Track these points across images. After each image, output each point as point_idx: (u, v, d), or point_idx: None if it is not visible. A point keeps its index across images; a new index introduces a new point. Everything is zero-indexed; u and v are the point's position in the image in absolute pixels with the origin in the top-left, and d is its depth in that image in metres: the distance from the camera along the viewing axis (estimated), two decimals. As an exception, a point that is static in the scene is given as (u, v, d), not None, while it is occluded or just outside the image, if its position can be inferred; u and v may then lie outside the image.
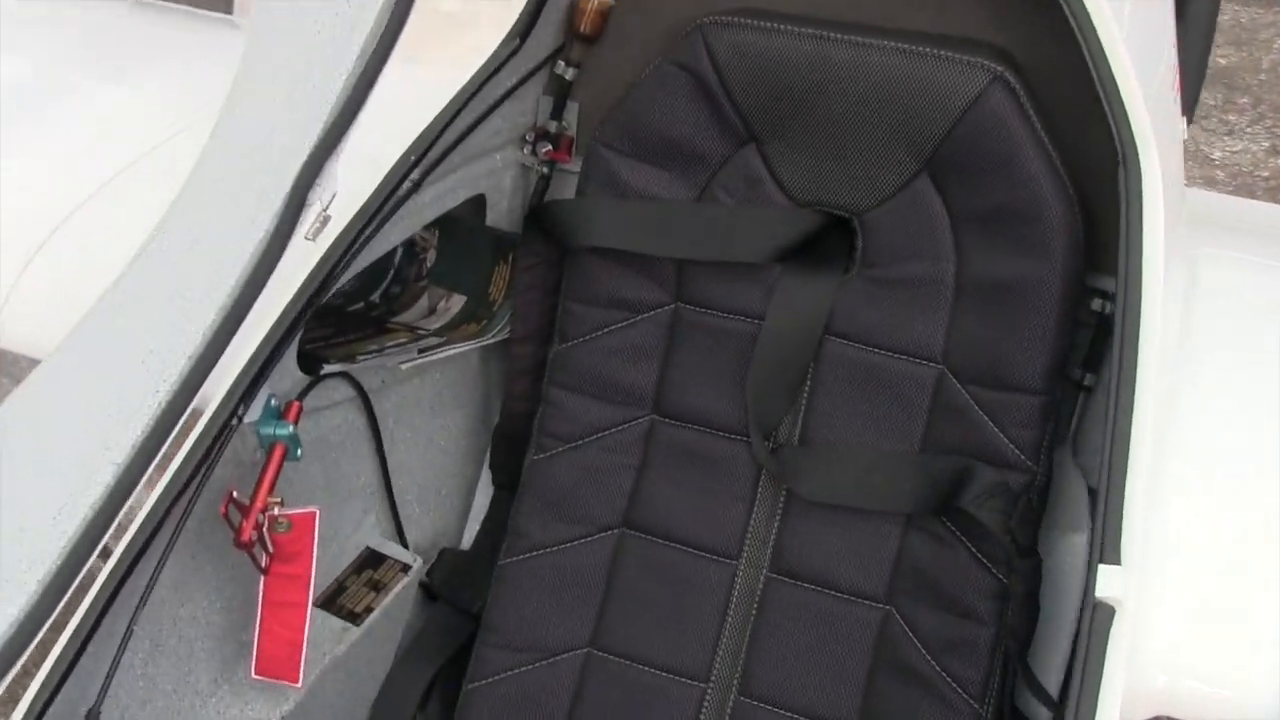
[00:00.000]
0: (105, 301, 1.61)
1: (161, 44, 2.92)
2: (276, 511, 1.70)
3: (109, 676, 1.63)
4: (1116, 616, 1.39)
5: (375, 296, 1.98)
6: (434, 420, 2.13)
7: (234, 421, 1.67)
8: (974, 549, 1.76)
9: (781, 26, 1.75)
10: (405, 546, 2.09)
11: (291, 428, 1.74)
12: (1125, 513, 1.42)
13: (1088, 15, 1.51)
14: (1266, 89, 5.56)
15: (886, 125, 1.73)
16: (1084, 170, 1.70)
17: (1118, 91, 1.51)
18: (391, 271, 1.98)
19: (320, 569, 1.91)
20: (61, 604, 1.46)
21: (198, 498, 1.67)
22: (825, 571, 1.84)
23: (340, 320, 1.96)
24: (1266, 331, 1.93)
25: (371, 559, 2.02)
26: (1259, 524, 1.72)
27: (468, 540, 2.20)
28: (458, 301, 2.02)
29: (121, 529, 1.57)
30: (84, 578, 1.50)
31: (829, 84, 1.73)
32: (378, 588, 1.98)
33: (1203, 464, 1.75)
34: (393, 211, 1.80)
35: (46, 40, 2.83)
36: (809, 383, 1.84)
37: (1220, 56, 5.89)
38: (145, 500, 1.62)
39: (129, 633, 1.64)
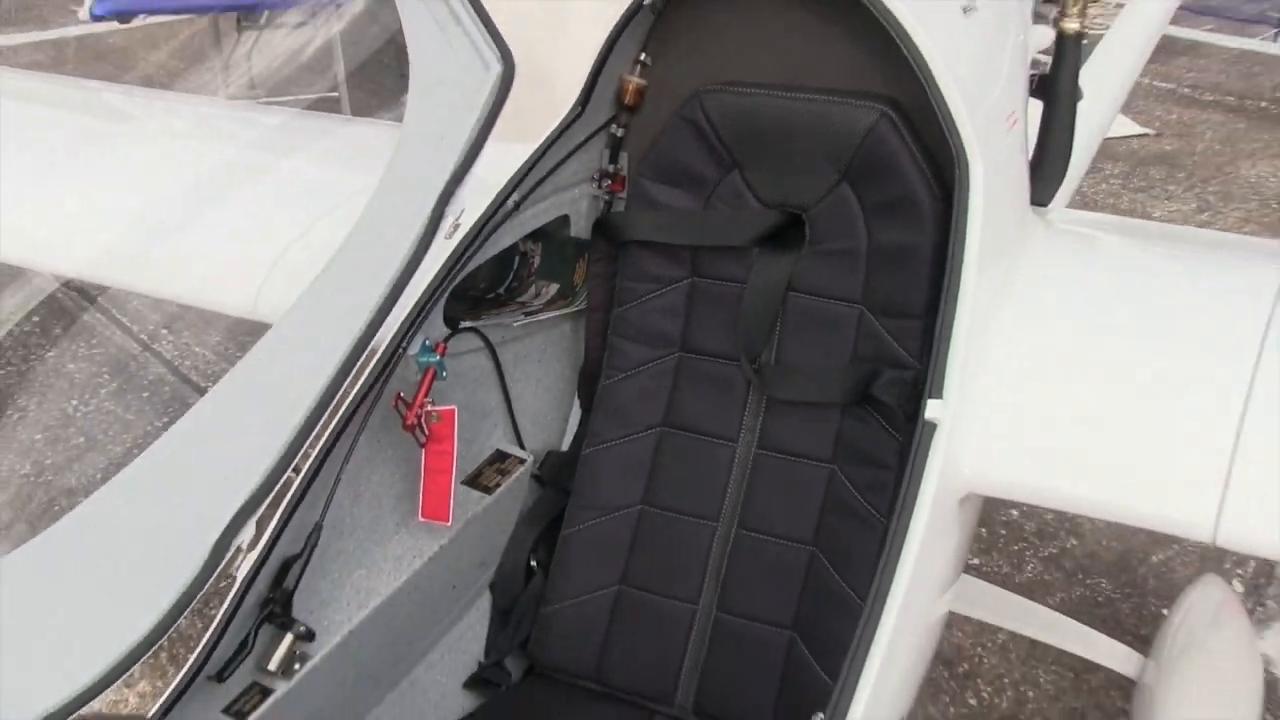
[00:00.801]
0: (318, 282, 1.83)
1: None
2: (429, 408, 1.99)
3: (323, 512, 1.87)
4: (937, 431, 1.65)
5: (501, 289, 2.26)
6: (541, 366, 2.36)
7: (400, 352, 1.95)
8: (883, 422, 1.99)
9: (750, 90, 2.05)
10: (522, 449, 2.32)
11: (439, 358, 2.00)
12: (947, 367, 1.70)
13: (932, 76, 1.80)
14: (1198, 166, 5.75)
15: (818, 150, 2.00)
16: (945, 171, 1.92)
17: (951, 120, 1.80)
18: (512, 272, 2.26)
19: (464, 460, 2.18)
20: (296, 459, 1.68)
21: (379, 400, 1.93)
22: (792, 446, 2.08)
23: (477, 303, 2.23)
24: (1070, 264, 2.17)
25: (498, 456, 2.27)
26: (1049, 372, 1.89)
27: (565, 445, 2.41)
28: (553, 288, 2.29)
29: (332, 417, 1.81)
30: (309, 446, 1.71)
31: (780, 125, 2.03)
32: (503, 474, 2.23)
33: (1012, 337, 1.90)
34: (502, 222, 2.08)
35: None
36: (779, 324, 2.10)
37: (1166, 144, 6.08)
38: (346, 399, 1.86)
39: (337, 482, 1.88)
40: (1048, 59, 2.38)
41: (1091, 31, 2.46)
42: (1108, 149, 5.86)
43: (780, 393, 2.09)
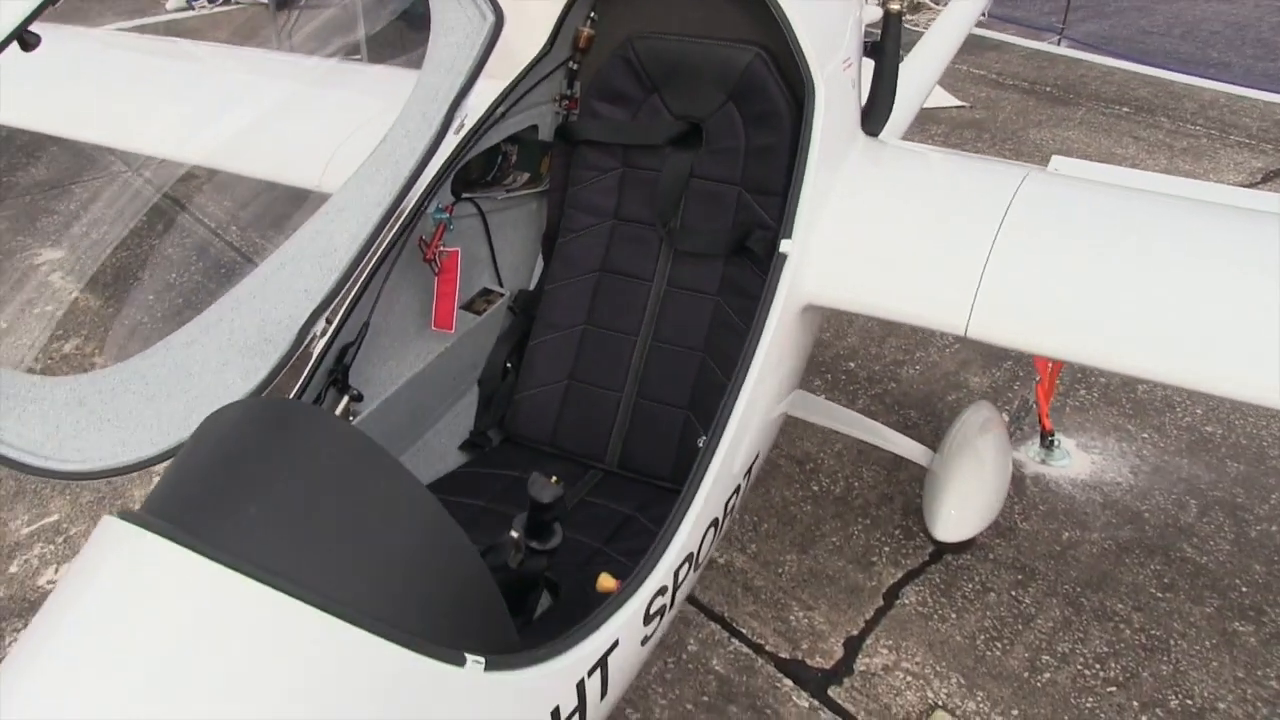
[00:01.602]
0: (365, 163, 2.12)
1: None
2: (442, 248, 2.35)
3: (369, 314, 2.21)
4: (787, 261, 2.00)
5: (489, 177, 2.60)
6: (516, 230, 2.68)
7: (422, 210, 2.30)
8: (753, 266, 2.31)
9: (665, 36, 2.39)
10: (501, 286, 2.66)
11: (447, 216, 2.36)
12: (796, 218, 2.05)
13: (793, 29, 2.17)
14: (999, 131, 6.10)
15: (713, 79, 2.34)
16: (797, 93, 2.25)
17: (805, 58, 2.18)
18: (496, 165, 2.60)
19: (461, 293, 2.57)
20: (351, 277, 2.03)
21: (405, 241, 2.28)
22: (690, 283, 2.42)
23: (473, 184, 2.54)
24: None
25: (485, 292, 2.62)
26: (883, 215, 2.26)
27: (532, 285, 2.70)
28: (525, 176, 2.63)
29: (375, 253, 2.14)
30: (359, 270, 2.05)
31: (687, 61, 2.36)
32: (489, 303, 2.58)
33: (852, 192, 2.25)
34: (492, 125, 2.41)
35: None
36: (683, 200, 2.44)
37: (976, 114, 6.39)
38: (385, 241, 2.18)
39: (378, 296, 2.23)
40: (879, 31, 2.71)
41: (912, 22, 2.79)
42: (933, 116, 6.30)
43: (683, 246, 2.45)
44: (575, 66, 2.57)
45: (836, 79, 2.33)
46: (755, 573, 2.88)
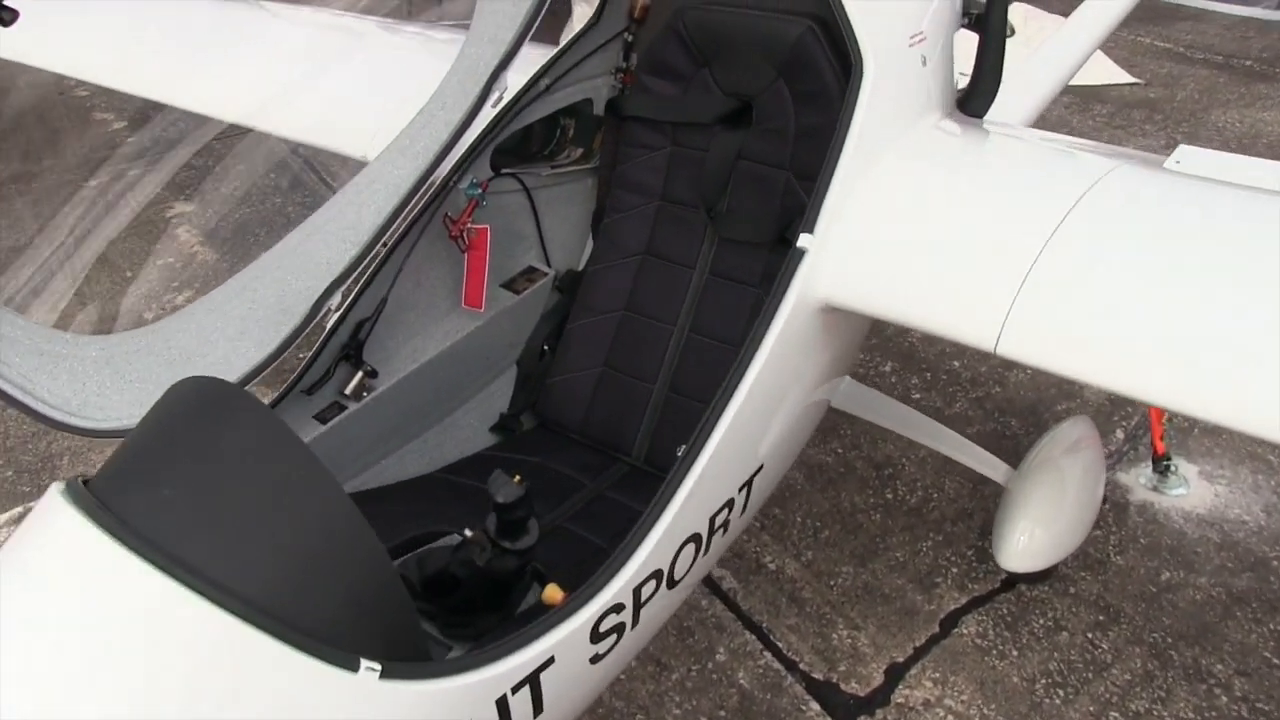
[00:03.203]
0: (402, 134, 2.09)
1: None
2: (470, 226, 2.28)
3: (388, 290, 2.17)
4: (804, 258, 1.84)
5: (547, 150, 2.53)
6: (568, 206, 2.59)
7: (451, 185, 2.25)
8: None
9: (713, 7, 2.23)
10: (548, 265, 2.57)
11: (480, 192, 2.28)
12: (821, 210, 1.86)
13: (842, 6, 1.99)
14: (1175, 112, 5.58)
15: (762, 53, 2.18)
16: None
17: (851, 31, 1.98)
18: (555, 138, 2.54)
19: (502, 270, 2.48)
20: (371, 253, 1.99)
21: (433, 217, 2.23)
22: (732, 273, 2.28)
23: (523, 157, 2.47)
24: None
25: (529, 270, 2.54)
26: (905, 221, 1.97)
27: (581, 265, 2.60)
28: (579, 151, 2.54)
29: (399, 227, 2.10)
30: (380, 245, 2.01)
31: (736, 34, 2.21)
32: (530, 282, 2.51)
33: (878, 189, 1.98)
34: (534, 100, 2.34)
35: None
36: (730, 183, 2.29)
37: (1151, 92, 5.91)
38: (411, 214, 2.15)
39: (399, 271, 2.19)
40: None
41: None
42: (1099, 94, 5.79)
43: (727, 233, 2.30)
44: (630, 38, 2.46)
45: (897, 55, 2.12)
46: (805, 583, 2.71)
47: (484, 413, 2.49)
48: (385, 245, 2.12)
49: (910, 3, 2.20)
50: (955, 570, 2.74)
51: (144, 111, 5.28)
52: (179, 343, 1.91)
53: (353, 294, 2.15)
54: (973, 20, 2.44)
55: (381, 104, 2.67)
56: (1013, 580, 2.68)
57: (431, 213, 2.25)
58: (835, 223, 1.90)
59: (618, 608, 1.62)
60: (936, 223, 1.95)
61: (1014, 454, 2.83)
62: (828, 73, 2.12)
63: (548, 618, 1.54)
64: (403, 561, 1.88)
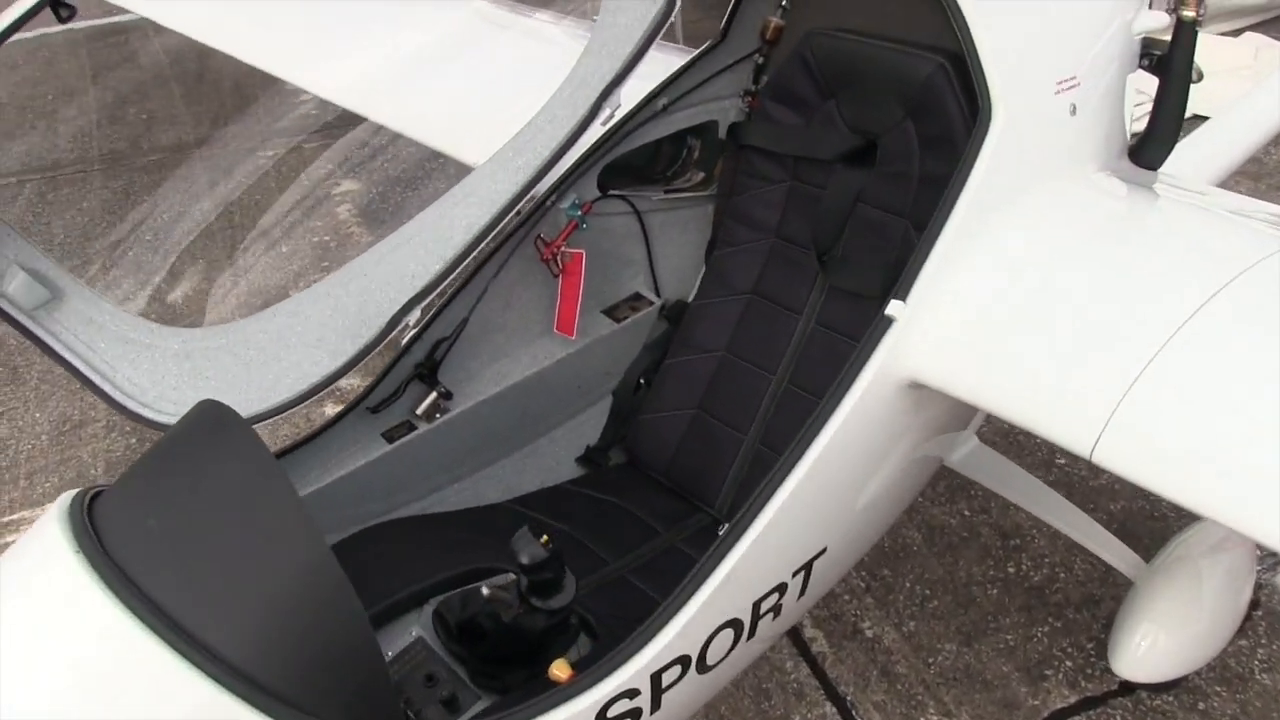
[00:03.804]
0: (507, 145, 2.00)
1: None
2: (564, 249, 2.19)
3: (471, 310, 2.12)
4: (891, 328, 1.65)
5: (671, 171, 2.43)
6: (684, 233, 2.46)
7: (550, 204, 2.17)
8: None
9: (844, 35, 2.06)
10: (657, 294, 2.45)
11: (580, 214, 2.19)
12: (918, 276, 1.67)
13: (970, 36, 1.76)
14: None
15: (891, 90, 1.99)
16: None
17: (981, 73, 1.76)
18: (681, 158, 2.42)
19: (605, 295, 2.39)
20: (458, 269, 1.94)
21: (528, 235, 2.16)
22: (840, 325, 2.10)
23: (640, 175, 2.37)
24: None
25: (635, 297, 2.43)
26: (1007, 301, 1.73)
27: (692, 296, 2.44)
28: (700, 175, 2.41)
29: (489, 244, 2.01)
30: (467, 262, 1.95)
31: (865, 67, 2.03)
32: (634, 310, 2.40)
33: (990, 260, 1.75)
34: (649, 119, 2.22)
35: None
36: (847, 227, 2.11)
37: None
38: (504, 232, 2.09)
39: (484, 292, 2.12)
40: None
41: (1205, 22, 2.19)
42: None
43: (837, 281, 2.13)
44: (761, 60, 2.29)
45: (1037, 102, 1.89)
46: (902, 656, 2.51)
47: (571, 443, 2.40)
48: (475, 261, 2.05)
49: (1064, 42, 1.95)
50: (1070, 664, 2.47)
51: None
52: (258, 343, 1.90)
53: (433, 311, 2.10)
54: (1154, 62, 2.17)
55: (500, 109, 2.62)
56: (1131, 685, 2.39)
57: (526, 231, 2.17)
58: (934, 290, 1.70)
59: (631, 693, 1.50)
60: (1053, 297, 1.72)
61: (1158, 540, 2.53)
62: (956, 117, 1.91)
63: (548, 696, 1.44)
64: (447, 598, 1.81)
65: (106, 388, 1.76)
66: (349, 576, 1.95)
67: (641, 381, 2.40)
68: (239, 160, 4.92)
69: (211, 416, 1.47)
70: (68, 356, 1.73)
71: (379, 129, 4.76)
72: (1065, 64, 1.94)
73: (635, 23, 1.96)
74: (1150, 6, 2.28)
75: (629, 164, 2.31)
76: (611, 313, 2.40)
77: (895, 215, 2.05)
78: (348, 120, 4.80)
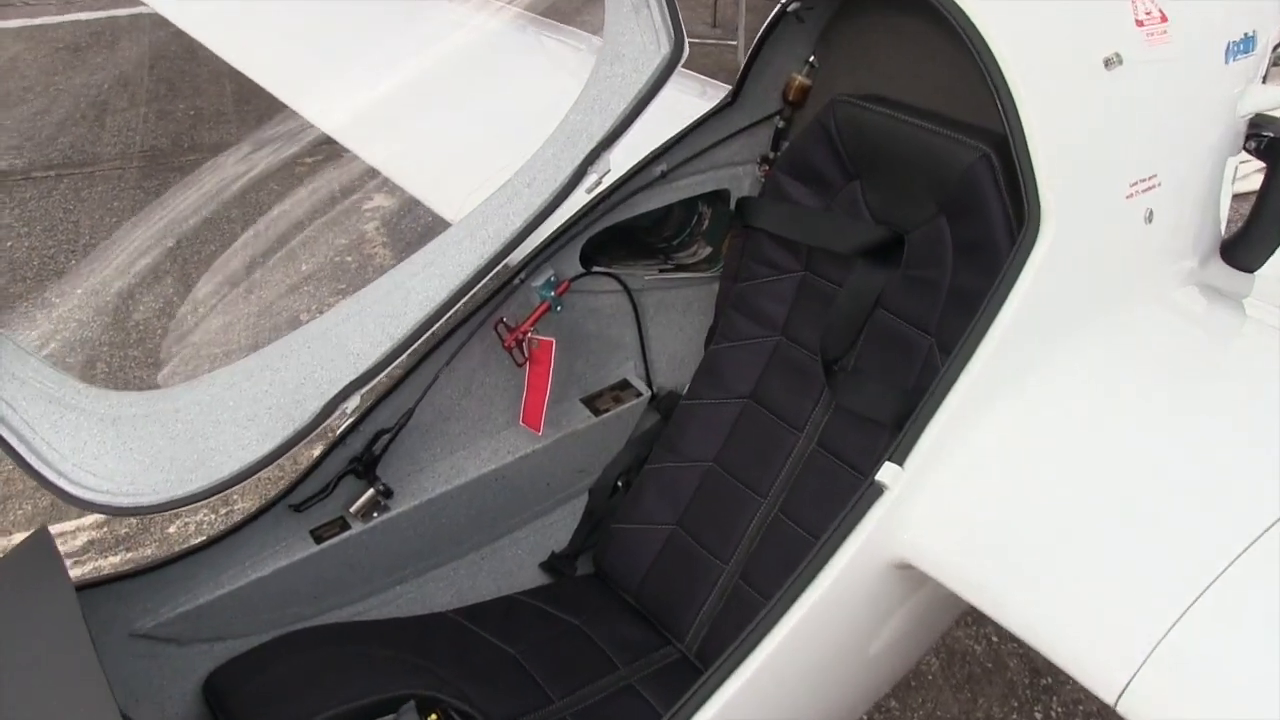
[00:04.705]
0: (476, 210, 1.73)
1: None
2: (530, 335, 1.90)
3: (418, 399, 1.83)
4: (883, 495, 1.32)
5: (676, 241, 2.13)
6: (685, 316, 2.16)
7: (519, 282, 1.89)
8: None
9: (871, 107, 1.74)
10: (649, 383, 2.14)
11: (553, 294, 1.90)
12: (920, 437, 1.34)
13: (1019, 125, 1.43)
14: None
15: (925, 179, 1.67)
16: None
17: (1031, 173, 1.42)
18: (690, 227, 2.13)
19: (589, 381, 2.09)
20: (406, 352, 1.67)
21: (493, 315, 1.88)
22: (843, 451, 1.79)
23: (636, 245, 2.08)
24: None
25: (622, 385, 2.12)
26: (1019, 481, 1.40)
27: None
28: (706, 250, 2.11)
29: (444, 325, 1.73)
30: (417, 344, 1.68)
31: (896, 148, 1.71)
32: (618, 401, 2.09)
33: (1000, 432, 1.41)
34: (646, 186, 1.93)
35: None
36: (862, 335, 1.79)
37: None
38: (462, 312, 1.80)
39: (435, 379, 1.84)
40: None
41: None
42: None
43: (843, 400, 1.80)
44: (782, 124, 1.98)
45: (1104, 208, 1.56)
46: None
47: (536, 545, 2.11)
48: (429, 343, 1.79)
49: (1142, 132, 1.59)
50: None
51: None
52: (187, 416, 1.65)
53: (375, 397, 1.82)
54: (1262, 146, 1.84)
55: (488, 158, 2.33)
56: None
57: (490, 311, 1.86)
58: (944, 453, 1.36)
59: None
60: (1097, 478, 1.37)
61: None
62: (999, 223, 1.57)
63: None
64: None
65: (24, 453, 1.54)
66: (254, 690, 1.72)
67: (619, 484, 2.09)
68: (278, 168, 4.70)
69: (33, 558, 1.22)
70: None
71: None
72: (1142, 160, 1.60)
73: (633, 73, 1.67)
74: (1265, 79, 1.94)
75: (624, 232, 2.00)
76: (592, 402, 2.09)
77: (919, 330, 1.71)
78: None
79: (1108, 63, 1.53)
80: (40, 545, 1.30)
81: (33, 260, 4.19)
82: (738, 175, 2.03)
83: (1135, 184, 1.57)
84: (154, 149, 5.14)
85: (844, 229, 1.81)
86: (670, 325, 2.17)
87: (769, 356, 1.94)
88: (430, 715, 1.34)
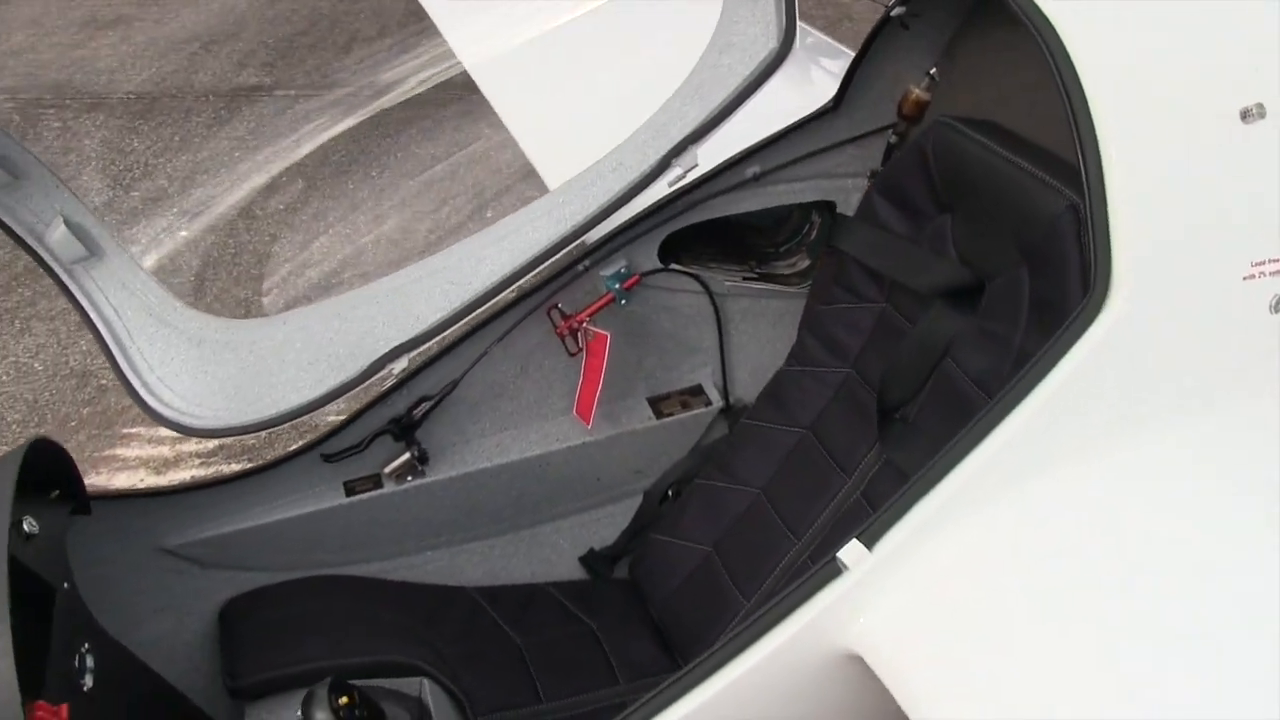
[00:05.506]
0: (562, 187, 1.72)
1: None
2: (587, 326, 1.83)
3: (464, 371, 1.81)
4: (840, 576, 1.14)
5: (784, 247, 2.01)
6: (775, 329, 2.03)
7: (581, 267, 1.82)
8: None
9: (972, 134, 1.55)
10: (726, 391, 2.02)
11: (619, 286, 1.83)
12: (898, 522, 1.15)
13: (1101, 178, 1.19)
14: None
15: (1013, 223, 1.47)
16: None
17: (1106, 236, 1.18)
18: (800, 235, 1.99)
19: (659, 381, 2.01)
20: (460, 322, 1.68)
21: (551, 299, 1.83)
22: None
23: (729, 245, 1.96)
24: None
25: (694, 389, 2.02)
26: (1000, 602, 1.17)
27: None
28: (804, 263, 1.97)
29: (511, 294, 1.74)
30: (473, 315, 1.70)
31: (988, 183, 1.52)
32: (685, 407, 1.99)
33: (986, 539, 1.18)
34: (736, 188, 1.82)
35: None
36: (929, 386, 1.60)
37: None
38: (531, 285, 1.78)
39: (484, 354, 1.82)
40: None
41: None
42: None
43: (891, 453, 1.64)
44: (895, 139, 1.80)
45: (1209, 289, 1.27)
46: None
47: (578, 538, 2.05)
48: (479, 317, 1.75)
49: (1265, 192, 1.29)
50: None
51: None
52: (261, 350, 1.72)
53: (421, 362, 1.81)
54: None
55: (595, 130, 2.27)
56: None
57: (550, 292, 1.82)
58: (922, 547, 1.16)
59: None
60: (1104, 627, 1.12)
61: None
62: (1074, 283, 1.35)
63: None
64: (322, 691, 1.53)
65: (119, 358, 1.66)
66: (261, 624, 1.75)
67: (669, 493, 2.00)
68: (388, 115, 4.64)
69: None
70: (93, 317, 1.63)
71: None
72: (1275, 235, 1.30)
73: (739, 64, 1.58)
74: None
75: (714, 230, 1.89)
76: (658, 403, 2.00)
77: (981, 392, 1.51)
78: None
79: (1245, 114, 1.25)
80: None
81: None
82: (845, 188, 1.88)
83: (1260, 264, 1.29)
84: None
85: (926, 265, 1.63)
86: (757, 336, 2.04)
87: (835, 389, 1.79)
88: (342, 698, 1.29)
